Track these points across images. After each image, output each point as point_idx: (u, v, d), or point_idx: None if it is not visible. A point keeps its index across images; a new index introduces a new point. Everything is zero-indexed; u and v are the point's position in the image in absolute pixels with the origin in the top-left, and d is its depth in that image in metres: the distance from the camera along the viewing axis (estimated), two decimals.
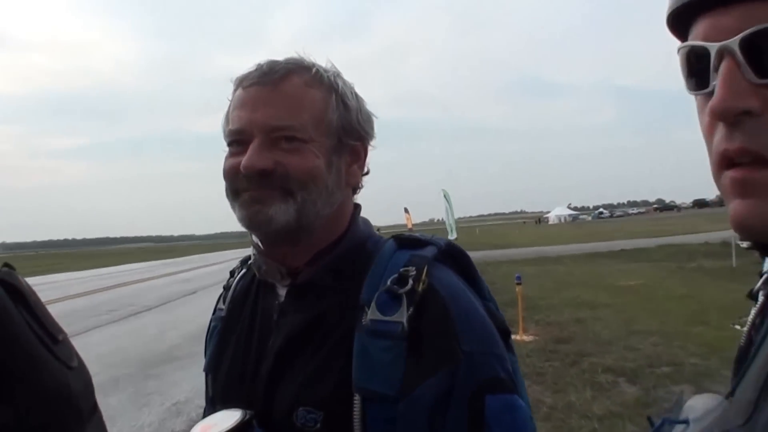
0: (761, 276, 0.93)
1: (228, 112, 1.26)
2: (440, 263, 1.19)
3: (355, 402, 1.09)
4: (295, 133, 1.18)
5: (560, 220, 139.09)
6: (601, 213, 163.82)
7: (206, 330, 1.48)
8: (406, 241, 1.23)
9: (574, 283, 16.96)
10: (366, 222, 1.33)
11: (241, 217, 1.19)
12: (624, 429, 5.83)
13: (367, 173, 1.32)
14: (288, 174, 1.16)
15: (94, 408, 1.29)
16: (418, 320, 1.09)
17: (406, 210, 73.48)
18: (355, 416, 1.08)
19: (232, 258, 52.54)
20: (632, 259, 24.61)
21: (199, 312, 16.13)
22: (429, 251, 1.19)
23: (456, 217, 37.70)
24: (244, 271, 1.44)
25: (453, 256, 1.23)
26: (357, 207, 1.33)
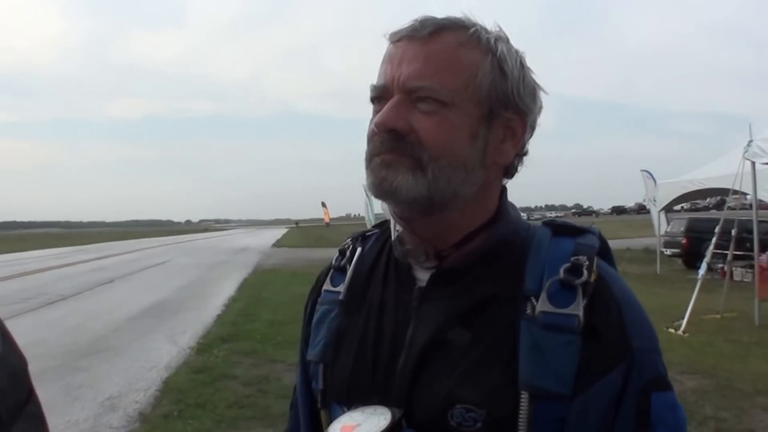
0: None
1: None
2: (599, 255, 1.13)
3: (522, 400, 1.02)
4: (436, 95, 1.08)
5: None
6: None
7: (304, 312, 1.35)
8: (561, 228, 1.15)
9: None
10: (513, 206, 1.22)
11: (369, 183, 1.11)
12: None
13: (525, 154, 1.20)
14: (420, 141, 1.07)
15: (27, 399, 1.22)
16: (591, 314, 1.04)
17: (323, 204, 73.46)
18: (521, 416, 1.01)
19: (148, 246, 51.68)
20: None
21: (119, 302, 15.93)
22: (592, 240, 1.13)
23: (375, 212, 37.95)
24: (360, 250, 1.32)
25: (605, 247, 1.17)
26: (505, 189, 1.22)
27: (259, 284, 19.39)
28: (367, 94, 1.15)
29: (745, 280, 16.39)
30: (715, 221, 22.39)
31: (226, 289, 18.56)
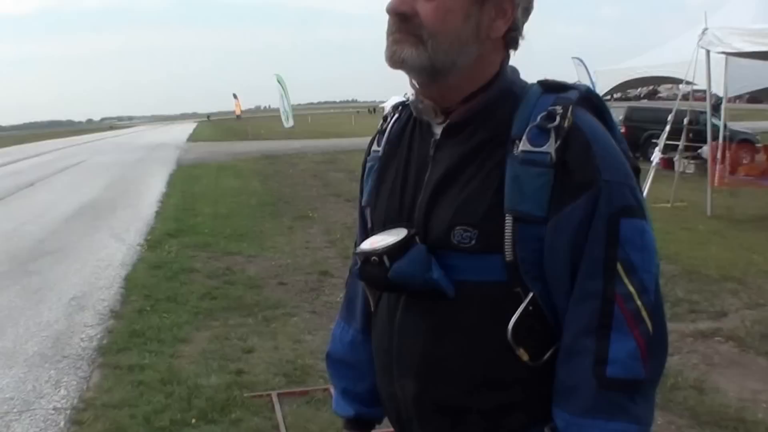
0: None
1: None
2: (581, 106, 1.32)
3: (506, 221, 1.27)
4: None
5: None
6: None
7: (362, 172, 1.61)
8: (551, 85, 1.36)
9: None
10: (514, 70, 1.43)
11: (386, 56, 1.36)
12: None
13: (518, 30, 1.38)
14: (421, 22, 1.30)
15: None
16: (563, 152, 1.26)
17: (234, 96, 72.05)
18: (506, 234, 1.27)
19: (57, 147, 49.83)
20: None
21: (48, 204, 15.50)
22: (572, 94, 1.32)
23: (291, 104, 37.19)
24: (396, 116, 1.57)
25: (592, 102, 1.37)
26: (507, 57, 1.42)
27: (187, 179, 19.12)
28: None
29: (687, 171, 16.74)
30: (655, 111, 22.75)
31: (155, 185, 18.24)
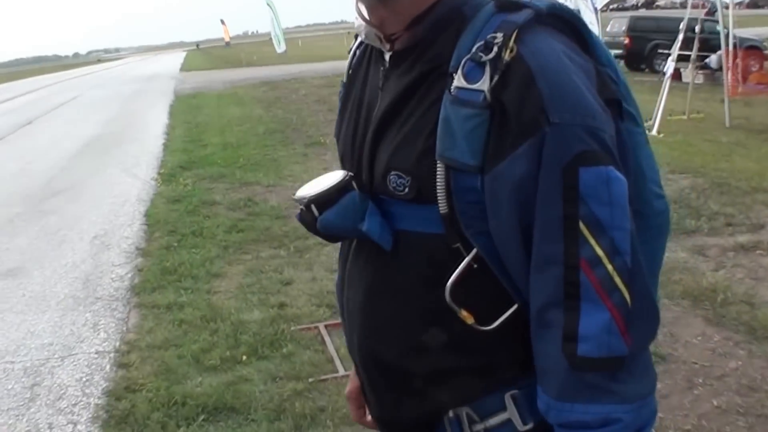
0: None
1: None
2: (540, 26, 1.11)
3: (438, 169, 1.10)
4: None
5: None
6: None
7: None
8: (506, 5, 1.14)
9: None
10: None
11: None
12: None
13: None
14: None
15: None
16: (501, 90, 1.05)
17: (222, 22, 70.95)
18: (438, 183, 1.10)
19: (47, 84, 49.18)
20: None
21: (50, 142, 15.29)
22: (522, 16, 1.10)
23: (282, 27, 36.43)
24: (359, 43, 1.42)
25: (560, 19, 1.15)
26: None
27: (188, 110, 18.73)
28: None
29: (697, 81, 16.53)
30: (659, 20, 22.44)
31: (157, 117, 17.90)
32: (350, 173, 1.24)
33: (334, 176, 1.24)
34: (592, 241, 1.03)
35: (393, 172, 1.16)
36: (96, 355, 4.53)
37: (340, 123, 1.40)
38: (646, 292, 1.10)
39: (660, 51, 19.91)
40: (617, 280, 1.03)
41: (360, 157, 1.26)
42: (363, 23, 1.26)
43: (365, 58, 1.37)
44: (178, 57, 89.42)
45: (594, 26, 22.31)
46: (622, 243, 1.04)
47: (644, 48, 20.70)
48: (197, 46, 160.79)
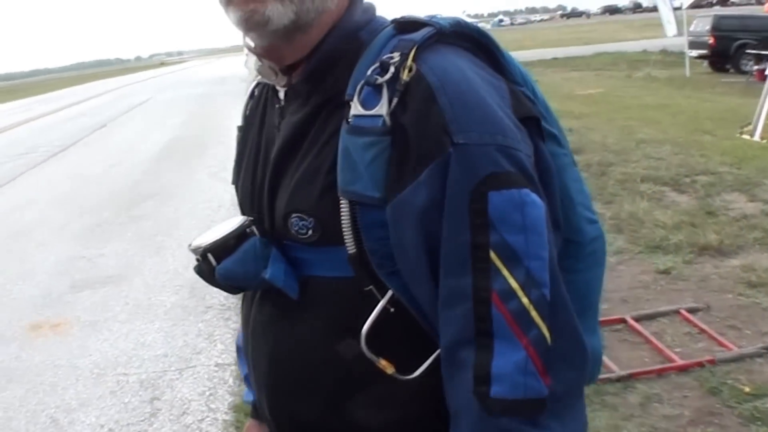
0: None
1: None
2: (442, 45, 1.07)
3: (341, 206, 1.05)
4: None
5: None
6: (501, 21, 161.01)
7: None
8: (404, 25, 1.11)
9: None
10: (366, 8, 1.21)
11: (236, 19, 1.10)
12: (703, 236, 6.00)
13: None
14: None
15: None
16: (402, 113, 1.01)
17: None
18: (343, 222, 1.05)
19: (115, 87, 50.57)
20: (571, 67, 24.93)
21: (129, 145, 15.70)
22: (422, 33, 1.06)
23: None
24: (256, 81, 1.39)
25: (464, 37, 1.11)
26: None
27: None
28: None
29: None
30: (744, 18, 21.98)
31: (235, 120, 17.94)
32: (249, 218, 1.21)
33: (232, 223, 1.20)
34: (505, 272, 0.96)
35: (294, 215, 1.12)
36: (216, 368, 4.50)
37: (238, 169, 1.36)
38: (571, 328, 1.02)
39: (747, 51, 19.58)
40: (534, 314, 0.96)
41: (260, 201, 1.22)
42: (254, 58, 1.22)
43: (261, 98, 1.35)
44: (243, 59, 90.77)
45: (671, 24, 21.96)
46: (540, 273, 0.97)
47: (729, 48, 20.43)
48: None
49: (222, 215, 8.15)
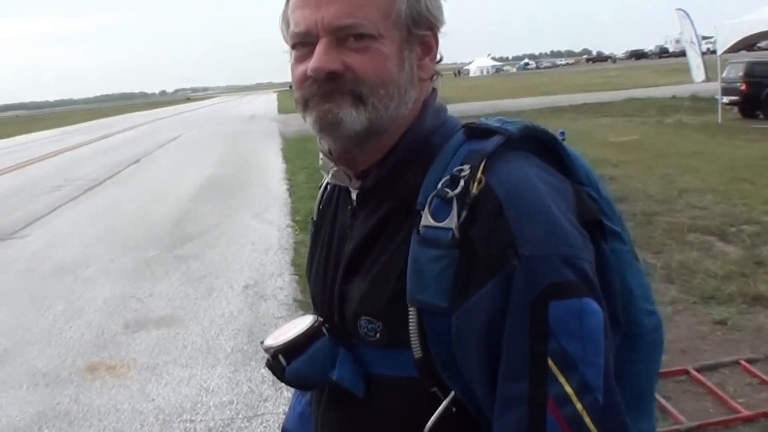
0: None
1: (285, 13, 1.25)
2: (511, 152, 1.13)
3: (410, 314, 1.10)
4: (363, 30, 1.15)
5: (482, 72, 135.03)
6: (527, 64, 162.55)
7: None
8: (475, 132, 1.17)
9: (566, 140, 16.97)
10: (438, 111, 1.28)
11: (312, 120, 1.18)
12: (754, 287, 6.03)
13: (440, 61, 1.28)
14: (358, 77, 1.15)
15: None
16: (470, 226, 1.06)
17: None
18: (411, 328, 1.10)
19: (145, 121, 51.19)
20: (601, 113, 24.90)
21: (165, 182, 15.86)
22: (491, 143, 1.12)
23: None
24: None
25: (534, 140, 1.18)
26: (433, 92, 1.29)
27: (304, 154, 18.80)
28: None
29: None
30: None
31: (272, 160, 18.35)
32: (320, 319, 1.26)
33: (303, 322, 1.25)
34: (561, 379, 1.00)
35: (363, 318, 1.18)
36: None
37: (311, 262, 1.44)
38: (621, 429, 1.03)
39: None
40: (587, 419, 0.99)
41: (330, 300, 1.28)
42: (329, 161, 1.29)
43: (334, 194, 1.41)
44: (271, 98, 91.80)
45: (700, 69, 21.99)
46: (594, 379, 1.00)
47: (761, 94, 20.56)
48: (290, 87, 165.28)
49: (270, 258, 8.16)
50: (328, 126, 1.17)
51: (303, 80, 1.19)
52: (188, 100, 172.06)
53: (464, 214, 1.06)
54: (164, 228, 10.48)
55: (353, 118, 1.15)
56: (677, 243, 7.48)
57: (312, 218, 1.48)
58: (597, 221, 1.14)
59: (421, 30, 1.22)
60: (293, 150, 20.14)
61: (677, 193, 10.06)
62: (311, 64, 1.15)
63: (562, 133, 10.42)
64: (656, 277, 6.31)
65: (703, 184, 10.65)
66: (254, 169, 16.96)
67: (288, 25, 1.23)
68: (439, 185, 1.10)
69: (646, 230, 8.00)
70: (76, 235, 10.51)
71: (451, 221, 1.06)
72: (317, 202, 1.47)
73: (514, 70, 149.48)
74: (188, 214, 11.43)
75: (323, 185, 1.48)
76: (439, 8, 1.26)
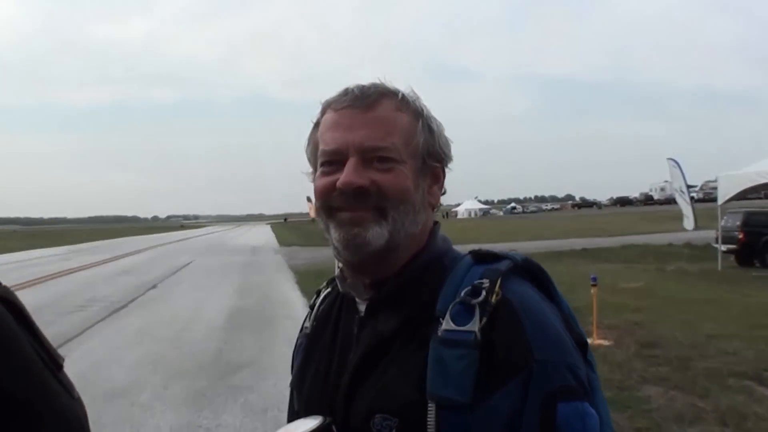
0: None
1: (312, 136, 1.42)
2: (516, 276, 1.29)
3: (429, 409, 1.18)
4: (389, 154, 1.32)
5: (470, 214, 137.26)
6: (515, 208, 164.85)
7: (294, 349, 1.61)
8: (483, 256, 1.33)
9: (576, 285, 16.76)
10: (445, 239, 1.44)
11: (339, 238, 1.32)
12: None
13: (444, 193, 1.46)
14: (382, 193, 1.30)
15: None
16: (490, 330, 1.19)
17: (308, 199, 73.23)
18: (429, 423, 1.18)
19: (150, 245, 51.02)
20: (603, 259, 25.23)
21: (189, 310, 15.86)
22: (504, 264, 1.29)
23: None
24: (328, 290, 1.58)
25: (530, 271, 1.34)
26: (436, 224, 1.45)
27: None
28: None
29: None
30: None
31: (290, 293, 18.47)
32: (329, 418, 1.30)
33: (309, 423, 1.29)
34: None
35: (378, 415, 1.24)
36: None
37: (303, 373, 1.49)
38: None
39: None
40: None
41: (333, 403, 1.34)
42: (341, 275, 1.43)
43: (334, 306, 1.50)
44: (265, 230, 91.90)
45: (689, 219, 22.49)
46: None
47: (757, 243, 21.41)
48: (285, 220, 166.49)
49: None
50: (355, 248, 1.31)
51: (330, 191, 1.33)
52: (182, 227, 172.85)
53: (485, 319, 1.19)
54: (206, 357, 10.43)
55: (377, 233, 1.30)
56: (721, 388, 7.53)
57: (304, 333, 1.56)
58: (583, 342, 1.30)
59: (434, 162, 1.39)
60: (309, 282, 20.02)
61: (705, 338, 10.14)
62: (342, 177, 1.30)
63: (594, 279, 10.64)
64: (710, 420, 6.44)
65: (726, 330, 10.77)
66: (277, 301, 16.93)
67: (316, 147, 1.39)
68: (462, 294, 1.24)
69: (686, 375, 8.07)
70: (116, 359, 10.40)
71: (474, 325, 1.19)
72: (312, 314, 1.57)
73: (501, 213, 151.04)
74: (227, 345, 11.36)
75: (317, 299, 1.59)
76: (449, 146, 1.43)
